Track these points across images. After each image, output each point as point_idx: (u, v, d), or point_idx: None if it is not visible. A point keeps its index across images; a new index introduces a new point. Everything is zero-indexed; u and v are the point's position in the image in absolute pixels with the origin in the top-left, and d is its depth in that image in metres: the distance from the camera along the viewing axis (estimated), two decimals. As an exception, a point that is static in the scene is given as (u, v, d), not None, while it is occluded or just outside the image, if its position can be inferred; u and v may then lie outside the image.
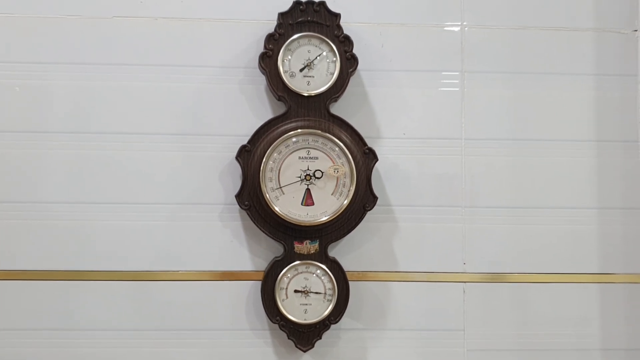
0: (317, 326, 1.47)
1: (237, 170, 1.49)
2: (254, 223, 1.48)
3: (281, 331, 1.48)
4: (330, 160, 1.46)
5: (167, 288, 1.51)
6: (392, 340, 1.53)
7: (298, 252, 1.48)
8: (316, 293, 1.47)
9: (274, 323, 1.47)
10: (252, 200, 1.47)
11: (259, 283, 1.49)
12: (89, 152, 1.51)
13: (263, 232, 1.48)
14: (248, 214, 1.48)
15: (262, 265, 1.51)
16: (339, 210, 1.45)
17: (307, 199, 1.46)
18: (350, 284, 1.49)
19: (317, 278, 1.47)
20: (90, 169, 1.51)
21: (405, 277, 1.54)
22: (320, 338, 1.48)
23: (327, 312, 1.46)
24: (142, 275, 1.51)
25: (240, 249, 1.52)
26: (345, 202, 1.45)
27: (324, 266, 1.47)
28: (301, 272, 1.48)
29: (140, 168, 1.52)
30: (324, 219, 1.45)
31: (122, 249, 1.51)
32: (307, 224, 1.45)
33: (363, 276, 1.54)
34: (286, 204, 1.45)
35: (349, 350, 1.53)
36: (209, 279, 1.52)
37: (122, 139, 1.52)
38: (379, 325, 1.53)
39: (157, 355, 1.50)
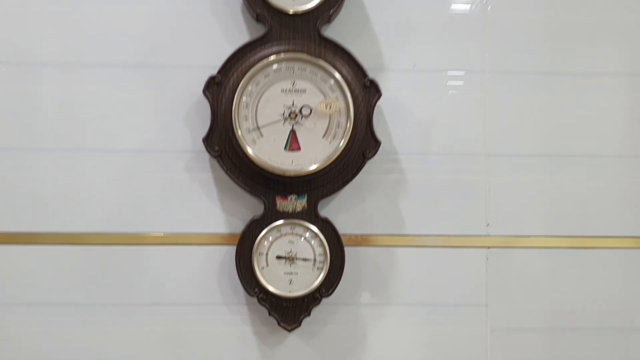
0: (305, 300, 1.19)
1: (207, 109, 1.19)
2: (227, 174, 1.19)
3: (261, 306, 1.20)
4: (321, 94, 1.16)
5: (121, 254, 1.23)
6: (397, 318, 1.25)
7: (281, 209, 1.19)
8: (304, 260, 1.19)
9: (252, 296, 1.19)
10: (223, 144, 1.18)
11: (234, 248, 1.21)
12: (28, 88, 1.22)
13: (238, 185, 1.20)
14: (219, 162, 1.19)
15: (238, 227, 1.23)
16: (332, 157, 1.16)
17: (292, 143, 1.17)
18: (346, 249, 1.21)
19: (305, 242, 1.19)
20: (28, 108, 1.22)
21: (414, 241, 1.26)
22: (309, 314, 1.20)
23: (317, 283, 1.18)
24: (90, 238, 1.23)
25: (211, 207, 1.24)
26: (340, 146, 1.16)
27: (313, 227, 1.19)
28: (285, 235, 1.19)
29: (87, 107, 1.23)
30: (314, 167, 1.16)
31: (65, 207, 1.22)
32: (293, 174, 1.16)
33: (362, 240, 1.25)
34: (266, 149, 1.16)
35: (344, 330, 1.24)
36: (172, 243, 1.23)
37: (66, 71, 1.23)
38: (382, 299, 1.25)
39: (108, 335, 1.23)
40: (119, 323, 1.23)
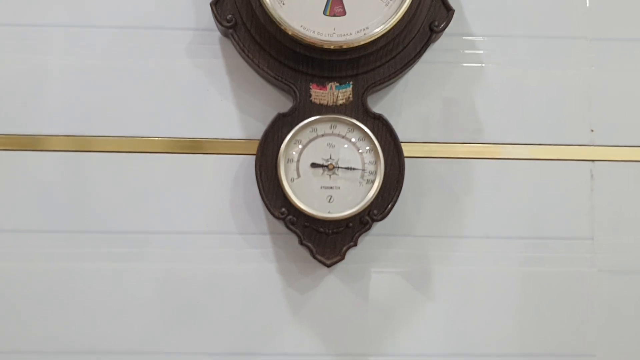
0: (350, 224, 0.87)
1: (217, -30, 0.88)
2: (243, 55, 0.88)
3: (288, 236, 0.89)
4: (374, -64, 0.84)
5: (104, 164, 0.91)
6: (471, 255, 0.93)
7: (317, 101, 0.88)
8: (349, 169, 0.87)
9: (278, 218, 0.87)
10: (239, 11, 0.86)
11: (252, 159, 0.89)
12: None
13: (258, 70, 0.88)
14: (233, 39, 0.87)
15: (258, 130, 0.91)
16: (389, 24, 0.84)
17: (335, 5, 0.85)
18: (406, 161, 0.89)
19: (351, 146, 0.87)
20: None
21: (494, 152, 0.94)
22: (356, 245, 0.88)
23: (366, 201, 0.86)
24: (63, 142, 0.91)
25: (222, 103, 0.92)
26: (401, 9, 0.84)
27: (362, 125, 0.87)
28: (323, 135, 0.87)
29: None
30: (364, 38, 0.84)
31: (32, 104, 0.91)
32: (334, 48, 0.84)
33: (426, 150, 0.93)
34: (297, 13, 0.84)
35: (402, 268, 0.92)
36: (169, 151, 0.92)
37: None
38: (452, 229, 0.93)
39: (92, 272, 0.91)
40: (102, 256, 0.91)
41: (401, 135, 0.90)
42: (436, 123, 0.93)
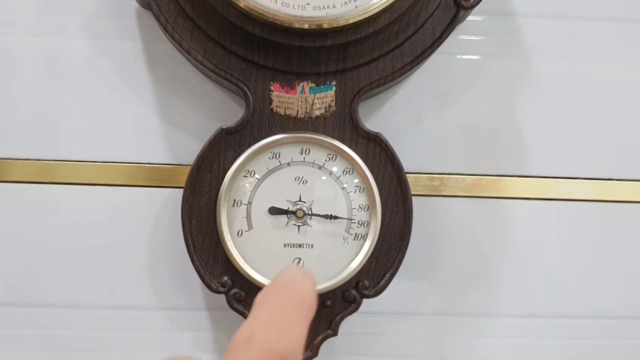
0: (327, 302, 0.56)
1: None
2: (168, 34, 0.56)
3: (233, 314, 0.57)
4: None
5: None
6: (507, 343, 0.63)
7: (282, 111, 0.56)
8: (327, 218, 0.56)
9: (217, 292, 0.56)
10: (160, -34, 0.55)
11: (179, 193, 0.57)
12: None
13: (191, 61, 0.56)
14: (155, 8, 0.55)
15: (190, 151, 0.59)
16: (396, -9, 0.52)
17: (310, -41, 0.53)
18: (416, 200, 0.58)
19: (331, 181, 0.56)
20: None
21: (543, 189, 0.63)
22: (335, 334, 0.57)
23: (353, 268, 0.55)
24: None
25: (136, 108, 0.61)
26: (416, -34, 0.52)
27: (350, 151, 0.56)
28: (289, 165, 0.56)
29: None
30: (359, 10, 0.52)
31: None
32: (310, 27, 0.52)
33: (443, 185, 0.62)
34: (251, -29, 0.52)
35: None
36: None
37: None
38: (481, 304, 0.62)
39: None
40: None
41: (406, 164, 0.59)
42: (459, 147, 0.62)
